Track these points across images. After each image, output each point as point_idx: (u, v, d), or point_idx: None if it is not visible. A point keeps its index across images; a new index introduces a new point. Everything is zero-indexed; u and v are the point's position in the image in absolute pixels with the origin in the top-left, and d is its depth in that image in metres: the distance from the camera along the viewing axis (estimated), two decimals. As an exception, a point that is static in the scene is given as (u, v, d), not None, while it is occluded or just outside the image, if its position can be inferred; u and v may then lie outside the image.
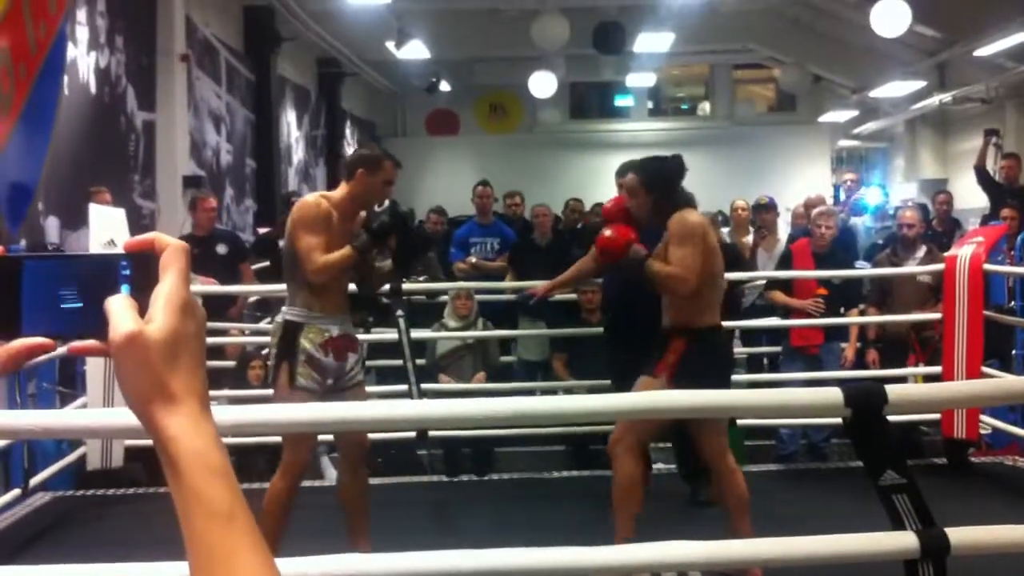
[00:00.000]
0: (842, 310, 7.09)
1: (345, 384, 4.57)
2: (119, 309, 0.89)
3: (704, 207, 9.26)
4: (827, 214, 7.28)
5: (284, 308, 4.55)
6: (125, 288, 0.92)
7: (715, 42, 17.78)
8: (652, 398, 3.02)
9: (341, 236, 4.43)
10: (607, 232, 4.59)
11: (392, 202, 4.78)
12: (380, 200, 4.65)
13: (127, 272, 0.93)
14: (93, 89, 8.80)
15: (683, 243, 4.32)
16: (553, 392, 7.23)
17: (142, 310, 0.90)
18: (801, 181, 17.23)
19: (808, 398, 3.46)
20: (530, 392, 7.25)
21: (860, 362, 7.21)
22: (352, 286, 4.81)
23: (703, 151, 19.87)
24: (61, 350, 0.98)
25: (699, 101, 22.82)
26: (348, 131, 18.63)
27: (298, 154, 15.62)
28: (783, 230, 9.52)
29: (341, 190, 4.57)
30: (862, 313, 7.19)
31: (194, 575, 0.86)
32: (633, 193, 4.64)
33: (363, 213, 4.61)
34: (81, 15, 8.53)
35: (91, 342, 0.93)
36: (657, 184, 4.54)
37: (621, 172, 5.75)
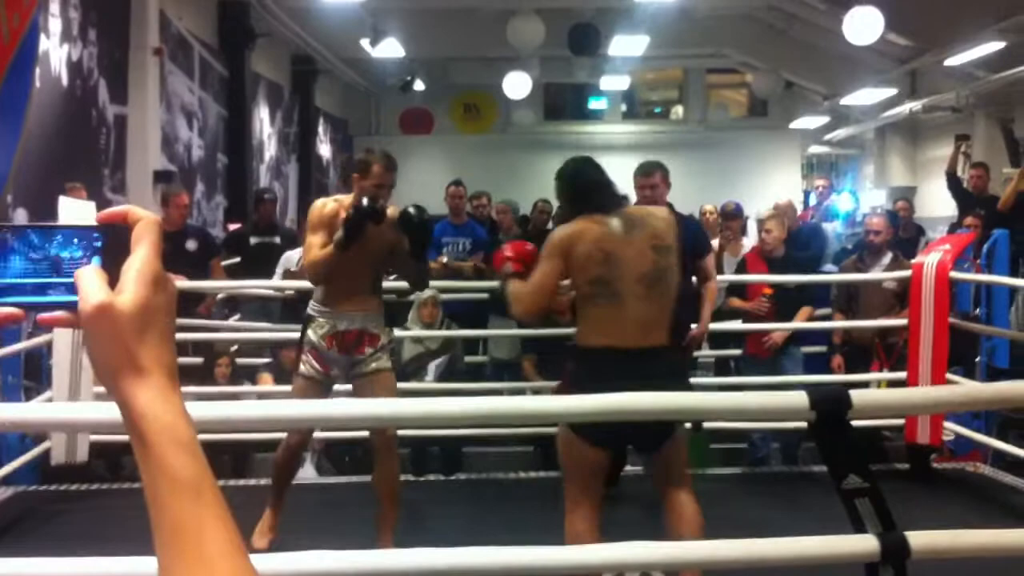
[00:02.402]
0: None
1: (356, 373, 4.84)
2: (90, 280, 0.89)
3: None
4: (772, 218, 7.23)
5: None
6: (96, 260, 0.93)
7: (689, 47, 17.86)
8: (616, 400, 3.04)
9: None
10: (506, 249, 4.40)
11: (410, 209, 4.89)
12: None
13: (99, 244, 0.93)
14: (65, 82, 8.75)
15: (539, 263, 4.04)
16: (521, 392, 7.24)
17: (113, 282, 0.89)
18: (772, 186, 17.32)
19: (773, 402, 3.49)
20: (498, 392, 7.27)
21: (825, 368, 7.27)
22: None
23: (676, 155, 19.80)
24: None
25: (672, 105, 22.91)
26: (321, 128, 18.58)
27: (270, 151, 15.56)
28: (753, 235, 9.57)
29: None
30: (827, 318, 7.25)
31: (161, 550, 0.85)
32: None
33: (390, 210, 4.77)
34: (54, 7, 8.48)
35: (60, 313, 0.93)
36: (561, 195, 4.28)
37: (647, 171, 5.72)
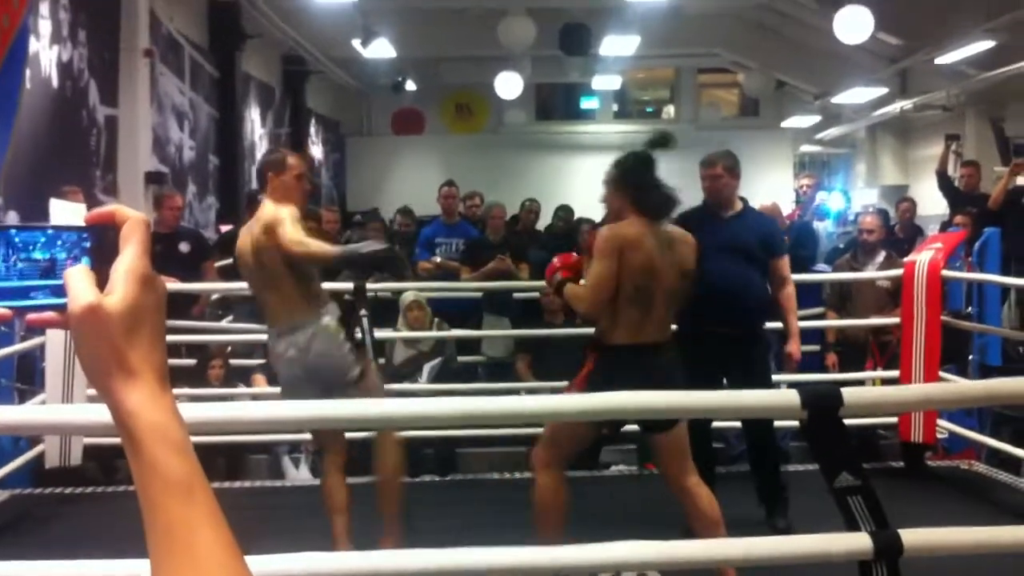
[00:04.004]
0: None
1: None
2: (78, 281, 0.88)
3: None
4: None
5: (316, 314, 4.55)
6: (85, 260, 0.92)
7: (680, 46, 17.87)
8: (609, 399, 3.05)
9: None
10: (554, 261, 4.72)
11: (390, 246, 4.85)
12: (300, 196, 4.69)
13: (87, 244, 0.93)
14: (55, 83, 8.73)
15: (595, 260, 4.30)
16: (515, 393, 7.25)
17: (102, 282, 0.89)
18: (764, 185, 17.28)
19: (765, 399, 3.50)
20: (492, 393, 7.27)
21: (819, 365, 7.27)
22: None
23: (667, 154, 19.93)
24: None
25: (664, 104, 22.92)
26: (313, 129, 18.56)
27: (262, 152, 15.52)
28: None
29: (266, 201, 4.62)
30: (820, 317, 7.26)
31: (153, 549, 0.85)
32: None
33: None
34: (44, 8, 8.46)
35: (49, 313, 0.92)
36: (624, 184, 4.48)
37: (708, 162, 5.59)
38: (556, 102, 22.57)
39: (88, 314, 0.87)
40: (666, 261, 4.31)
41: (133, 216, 0.92)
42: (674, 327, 5.64)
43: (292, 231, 4.35)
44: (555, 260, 4.69)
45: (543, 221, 10.45)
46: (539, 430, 6.44)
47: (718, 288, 5.25)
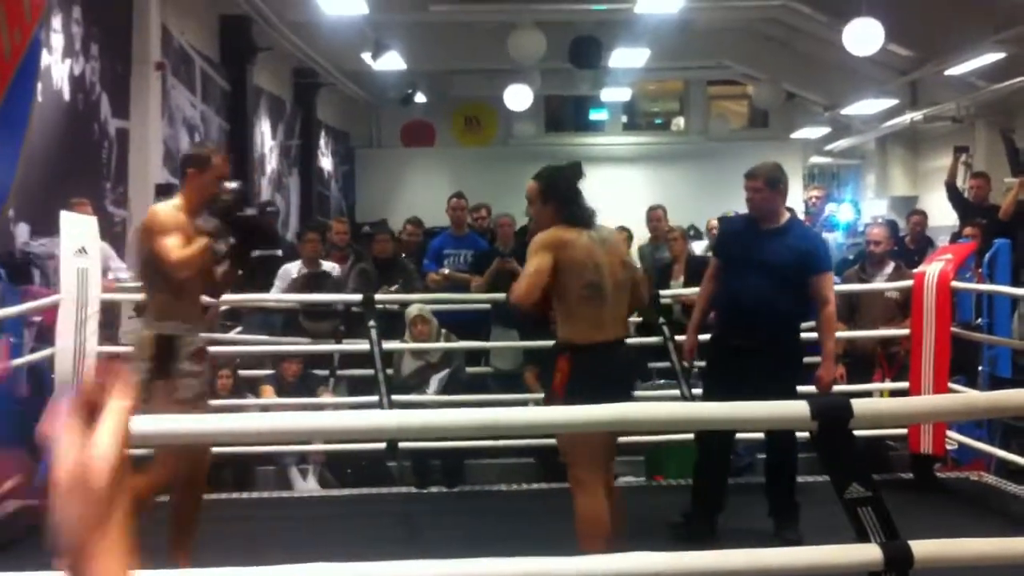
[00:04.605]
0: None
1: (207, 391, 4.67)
2: (67, 440, 0.91)
3: (676, 221, 9.40)
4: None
5: (148, 321, 4.49)
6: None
7: (690, 58, 17.89)
8: (619, 410, 3.05)
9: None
10: None
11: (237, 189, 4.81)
12: (212, 198, 4.58)
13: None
14: (67, 96, 8.77)
15: (528, 261, 4.39)
16: (523, 404, 7.24)
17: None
18: (773, 197, 17.27)
19: (775, 411, 3.49)
20: (500, 404, 7.27)
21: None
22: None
23: (677, 166, 20.01)
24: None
25: (673, 116, 22.93)
26: (323, 141, 18.60)
27: (272, 164, 15.57)
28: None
29: (180, 196, 4.55)
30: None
31: None
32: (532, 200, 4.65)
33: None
34: (56, 22, 8.50)
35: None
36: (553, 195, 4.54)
37: (749, 174, 5.52)
38: (565, 114, 22.59)
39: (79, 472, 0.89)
40: (606, 254, 4.41)
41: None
42: (706, 337, 5.69)
43: (174, 251, 4.26)
44: None
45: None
46: (547, 441, 6.48)
47: (742, 302, 5.25)
